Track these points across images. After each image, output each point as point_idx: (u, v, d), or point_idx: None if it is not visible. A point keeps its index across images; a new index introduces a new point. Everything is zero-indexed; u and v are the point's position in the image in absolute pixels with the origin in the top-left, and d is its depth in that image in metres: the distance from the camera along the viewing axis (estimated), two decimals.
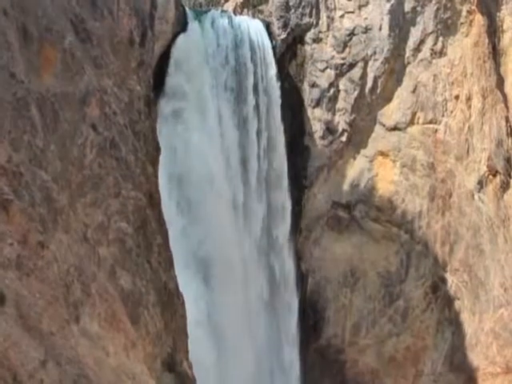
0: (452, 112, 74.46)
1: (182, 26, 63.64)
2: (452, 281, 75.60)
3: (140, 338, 40.39)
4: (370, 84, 75.90)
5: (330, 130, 76.65)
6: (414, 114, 75.60)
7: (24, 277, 30.76)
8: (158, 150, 47.65)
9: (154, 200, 46.51)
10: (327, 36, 75.93)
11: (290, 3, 75.01)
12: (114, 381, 32.54)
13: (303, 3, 75.21)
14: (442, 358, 76.32)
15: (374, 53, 75.04)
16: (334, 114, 76.70)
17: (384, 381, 76.41)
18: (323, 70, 76.25)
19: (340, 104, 76.60)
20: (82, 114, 38.41)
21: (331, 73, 76.13)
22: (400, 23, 74.54)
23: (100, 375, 31.15)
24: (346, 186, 77.61)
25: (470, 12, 73.65)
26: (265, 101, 71.19)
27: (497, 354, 74.10)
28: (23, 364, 26.93)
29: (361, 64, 75.56)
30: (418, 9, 74.43)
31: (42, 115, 34.89)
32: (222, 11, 72.14)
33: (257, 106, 69.94)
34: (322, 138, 76.79)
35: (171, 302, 46.98)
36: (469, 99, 73.86)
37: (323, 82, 76.31)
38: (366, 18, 74.86)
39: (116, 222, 42.03)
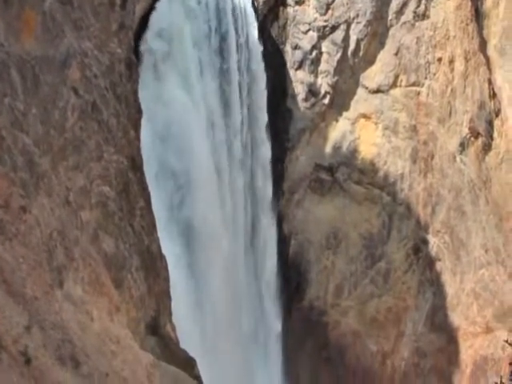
0: (435, 75, 74.22)
1: None
2: (434, 242, 75.97)
3: (124, 302, 40.49)
4: (352, 46, 75.53)
5: (312, 92, 76.39)
6: (396, 77, 75.37)
7: (7, 242, 30.66)
8: (139, 112, 47.36)
9: (136, 163, 46.36)
10: None
11: None
12: (98, 345, 32.63)
13: None
14: (423, 319, 76.91)
15: (357, 15, 74.54)
16: (316, 76, 76.39)
17: (366, 342, 77.02)
18: (306, 33, 75.78)
19: (323, 66, 76.25)
20: (62, 77, 38.08)
21: (314, 35, 75.66)
22: None
23: (84, 340, 31.22)
24: (328, 149, 77.58)
25: None
26: (247, 63, 70.73)
27: (477, 315, 74.78)
28: (7, 329, 26.93)
29: (343, 26, 75.09)
30: None
31: (23, 78, 34.58)
32: None
33: (239, 69, 69.47)
34: (305, 100, 76.55)
35: (154, 265, 47.08)
36: (451, 62, 73.61)
37: (306, 44, 75.89)
38: None
39: (98, 185, 41.90)
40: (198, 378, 43.94)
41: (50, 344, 28.08)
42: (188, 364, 44.11)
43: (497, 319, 73.65)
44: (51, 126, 37.13)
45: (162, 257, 47.87)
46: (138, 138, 47.18)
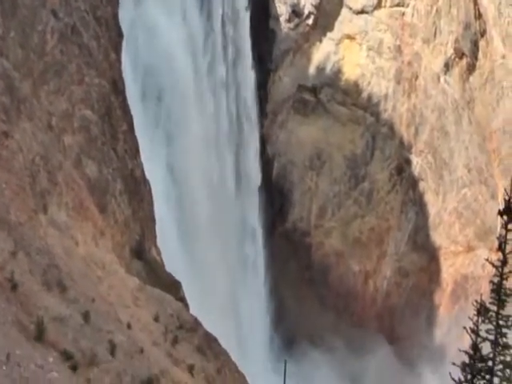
0: None
1: None
2: (417, 162, 76.24)
3: (108, 226, 40.54)
4: None
5: (295, 13, 75.32)
6: None
7: None
8: (120, 35, 46.70)
9: (117, 87, 45.89)
10: None
11: None
12: (83, 270, 32.78)
13: None
14: (405, 238, 77.69)
15: None
16: None
17: (349, 262, 77.81)
18: None
19: None
20: None
21: None
22: None
23: (70, 265, 31.32)
24: (312, 70, 76.95)
25: None
26: None
27: (459, 234, 75.64)
28: None
29: None
30: None
31: (0, 1, 33.92)
32: None
33: None
34: (288, 21, 75.49)
35: (138, 189, 47.03)
36: None
37: None
38: None
39: (80, 109, 41.55)
40: (183, 300, 44.34)
41: (36, 269, 28.16)
42: (173, 287, 44.45)
43: (478, 238, 74.58)
44: (31, 49, 36.63)
45: (146, 181, 47.77)
46: (119, 60, 46.61)
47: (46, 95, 37.79)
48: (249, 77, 74.31)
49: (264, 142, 78.22)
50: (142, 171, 47.53)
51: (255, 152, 76.57)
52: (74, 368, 23.39)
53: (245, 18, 72.16)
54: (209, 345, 39.19)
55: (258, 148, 76.95)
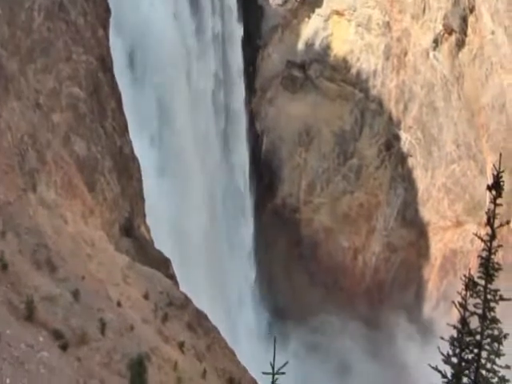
0: None
1: None
2: (406, 138, 76.28)
3: (97, 204, 40.50)
4: None
5: None
6: None
7: None
8: (107, 11, 46.32)
9: (105, 64, 45.64)
10: None
11: None
12: (73, 249, 32.78)
13: None
14: (394, 214, 77.90)
15: None
16: None
17: (338, 237, 78.02)
18: None
19: None
20: None
21: None
22: None
23: (59, 243, 31.32)
24: (300, 46, 76.71)
25: None
26: None
27: (447, 209, 75.89)
28: None
29: None
30: None
31: None
32: None
33: None
34: None
35: (127, 166, 46.92)
36: None
37: None
38: None
39: (68, 87, 41.32)
40: (172, 277, 44.44)
41: (25, 249, 28.16)
42: (163, 264, 44.53)
43: (467, 213, 74.84)
44: (18, 27, 36.36)
45: (135, 158, 47.65)
46: (106, 37, 46.28)
47: (34, 73, 37.58)
48: (237, 54, 74.07)
49: (253, 118, 78.07)
50: (131, 148, 47.42)
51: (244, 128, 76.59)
52: (64, 347, 23.44)
53: None
54: (199, 321, 39.36)
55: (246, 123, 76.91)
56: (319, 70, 76.66)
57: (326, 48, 75.96)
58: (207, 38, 69.50)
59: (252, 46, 75.96)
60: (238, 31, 73.82)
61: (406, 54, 74.18)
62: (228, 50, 72.97)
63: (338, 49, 75.90)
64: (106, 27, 45.63)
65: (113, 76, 46.05)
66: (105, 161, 43.63)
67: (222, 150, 73.57)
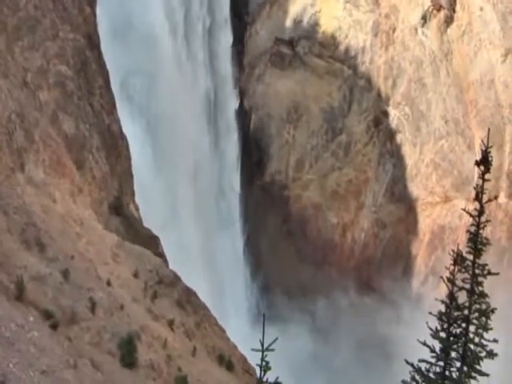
0: None
1: None
2: (394, 114, 76.31)
3: (86, 183, 40.42)
4: None
5: None
6: None
7: None
8: None
9: (93, 41, 45.41)
10: None
11: None
12: (62, 228, 32.70)
13: None
14: (382, 190, 78.09)
15: None
16: None
17: (326, 214, 78.21)
18: None
19: None
20: None
21: None
22: None
23: (48, 223, 31.23)
24: (288, 22, 76.37)
25: None
26: None
27: (436, 184, 76.12)
28: None
29: None
30: None
31: None
32: None
33: None
34: None
35: (115, 144, 46.82)
36: None
37: None
38: None
39: (55, 65, 41.12)
40: (161, 255, 44.49)
41: (14, 228, 28.01)
42: (152, 242, 44.56)
43: (455, 188, 75.08)
44: (4, 4, 36.13)
45: (123, 136, 47.55)
46: (93, 14, 46.04)
47: (21, 51, 37.37)
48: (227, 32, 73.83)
49: (241, 95, 77.93)
50: (119, 126, 47.31)
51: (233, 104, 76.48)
52: (54, 326, 23.40)
53: None
54: (188, 299, 39.43)
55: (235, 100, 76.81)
56: (307, 47, 76.45)
57: (315, 25, 75.67)
58: (194, 15, 69.23)
59: (240, 23, 75.65)
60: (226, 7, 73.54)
61: (394, 30, 74.02)
62: (216, 29, 72.65)
63: (327, 25, 75.63)
64: (92, 5, 45.43)
65: (100, 53, 45.87)
66: (93, 139, 43.53)
67: (212, 126, 73.47)
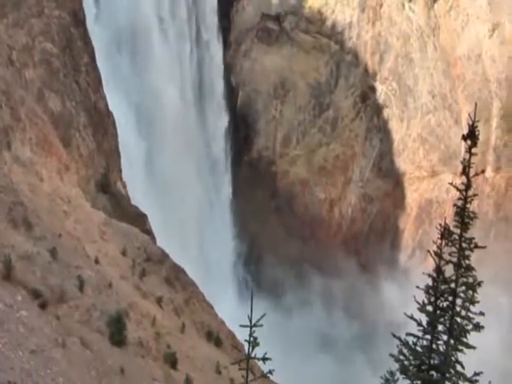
0: None
1: None
2: (381, 89, 76.31)
3: (73, 160, 40.28)
4: None
5: None
6: None
7: None
8: None
9: (78, 18, 45.10)
10: None
11: None
12: (49, 206, 32.59)
13: None
14: (370, 165, 78.23)
15: None
16: None
17: (314, 189, 78.24)
18: None
19: None
20: None
21: None
22: None
23: (35, 201, 31.11)
24: None
25: None
26: None
27: (423, 159, 76.36)
28: None
29: None
30: None
31: None
32: None
33: None
34: None
35: (102, 121, 46.67)
36: None
37: None
38: None
39: (41, 42, 40.85)
40: (149, 232, 44.50)
41: (0, 208, 27.83)
42: (139, 219, 44.55)
43: (442, 163, 75.35)
44: None
45: (110, 113, 47.37)
46: None
47: (5, 29, 37.11)
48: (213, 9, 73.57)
49: (228, 72, 77.64)
50: (106, 103, 47.11)
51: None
52: (43, 306, 23.29)
53: None
54: (176, 276, 39.48)
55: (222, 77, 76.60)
56: (294, 22, 76.20)
57: (301, 0, 75.43)
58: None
59: None
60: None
61: (381, 5, 73.86)
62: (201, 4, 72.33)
63: (313, 1, 75.32)
64: None
65: (85, 30, 45.60)
66: (80, 116, 43.36)
67: (200, 102, 73.25)
